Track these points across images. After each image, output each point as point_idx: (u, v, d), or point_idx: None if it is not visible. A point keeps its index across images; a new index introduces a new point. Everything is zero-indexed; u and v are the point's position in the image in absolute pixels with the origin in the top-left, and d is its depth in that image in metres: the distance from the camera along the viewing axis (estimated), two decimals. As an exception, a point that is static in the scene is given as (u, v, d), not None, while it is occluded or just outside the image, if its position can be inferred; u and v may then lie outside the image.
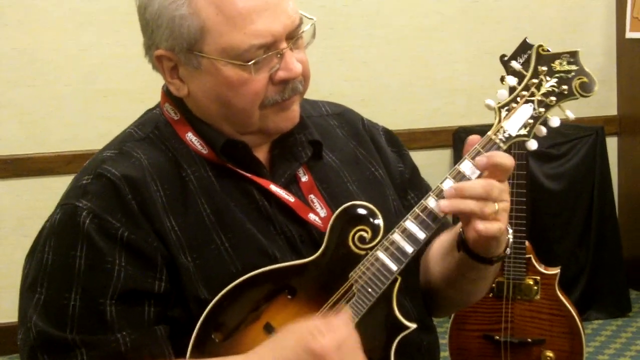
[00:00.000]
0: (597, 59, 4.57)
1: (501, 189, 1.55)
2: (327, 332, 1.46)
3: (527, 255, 3.20)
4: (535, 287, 3.21)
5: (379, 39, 4.48)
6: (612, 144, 4.64)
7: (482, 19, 4.57)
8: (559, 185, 4.21)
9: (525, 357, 3.22)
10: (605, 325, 4.25)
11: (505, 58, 2.93)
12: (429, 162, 4.39)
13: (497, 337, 3.22)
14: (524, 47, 2.80)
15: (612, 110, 4.68)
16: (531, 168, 3.94)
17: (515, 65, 1.66)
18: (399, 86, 4.53)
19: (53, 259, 1.53)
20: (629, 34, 4.54)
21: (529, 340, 3.20)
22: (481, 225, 1.52)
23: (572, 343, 3.20)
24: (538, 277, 3.21)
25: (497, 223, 1.54)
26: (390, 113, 4.46)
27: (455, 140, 4.49)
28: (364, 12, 4.44)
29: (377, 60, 4.49)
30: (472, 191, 1.53)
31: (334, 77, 4.39)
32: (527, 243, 3.18)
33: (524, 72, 1.66)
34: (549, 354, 3.19)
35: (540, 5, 4.61)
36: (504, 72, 2.98)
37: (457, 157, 4.45)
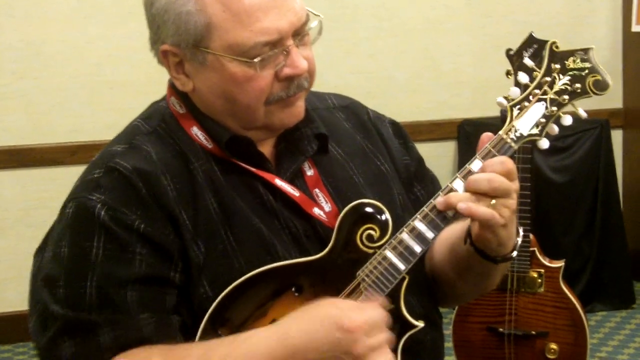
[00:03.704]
0: (603, 52, 4.56)
1: (508, 186, 1.55)
2: (359, 310, 1.46)
3: (532, 248, 3.20)
4: (539, 280, 3.21)
5: (384, 32, 4.47)
6: (617, 136, 4.64)
7: (488, 12, 4.56)
8: (564, 177, 4.21)
9: (528, 349, 3.22)
10: (609, 317, 4.25)
11: (512, 52, 2.94)
12: (434, 154, 4.40)
13: (501, 330, 3.22)
14: (530, 41, 2.80)
15: (617, 103, 4.68)
16: (536, 160, 3.93)
17: (528, 62, 1.64)
18: (404, 79, 4.53)
19: (69, 252, 1.52)
20: (635, 27, 4.53)
21: (533, 332, 3.21)
22: (463, 205, 1.52)
23: (576, 335, 3.21)
24: (542, 270, 3.21)
25: (488, 210, 1.53)
26: (395, 105, 4.46)
27: (460, 132, 4.49)
28: (370, 5, 4.44)
29: (383, 52, 4.49)
30: (476, 185, 1.54)
31: (340, 69, 4.39)
32: (531, 236, 3.19)
33: (537, 70, 1.63)
34: (553, 346, 3.20)
35: (547, -2, 4.61)
36: (509, 65, 2.99)
37: (462, 150, 4.45)
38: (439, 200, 1.56)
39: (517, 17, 4.55)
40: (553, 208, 4.19)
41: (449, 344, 3.15)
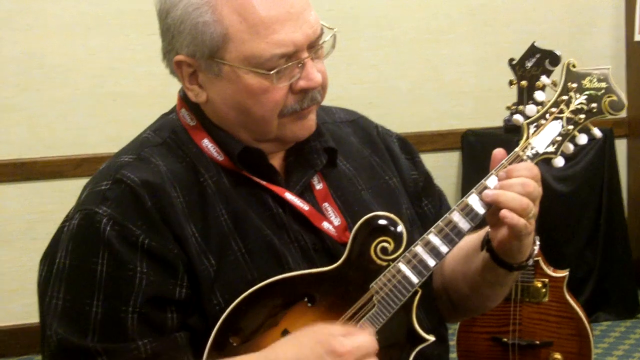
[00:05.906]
0: (605, 61, 4.56)
1: (539, 192, 1.57)
2: (350, 336, 1.47)
3: (536, 258, 3.20)
4: (544, 290, 3.20)
5: (387, 42, 4.48)
6: (621, 146, 4.64)
7: (490, 22, 4.57)
8: (568, 187, 4.21)
9: (533, 359, 3.22)
10: (613, 327, 4.24)
11: (514, 62, 2.94)
12: (438, 165, 4.39)
13: (505, 340, 3.22)
14: (533, 50, 2.80)
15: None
16: (540, 170, 3.93)
17: (545, 80, 1.65)
18: (407, 89, 4.53)
19: (71, 264, 1.52)
20: (638, 37, 4.53)
21: (537, 342, 3.20)
22: (508, 214, 1.53)
23: (581, 345, 3.20)
24: (546, 280, 3.21)
25: (523, 220, 1.54)
26: (398, 116, 4.47)
27: (463, 142, 4.48)
28: (372, 15, 4.45)
29: (385, 63, 4.49)
30: (514, 188, 1.55)
31: (342, 80, 4.39)
32: (535, 245, 3.18)
33: (554, 89, 1.64)
34: (557, 356, 3.19)
35: (549, 7, 4.61)
36: (512, 75, 3.00)
37: (466, 161, 4.45)
38: (486, 192, 1.56)
39: (519, 26, 4.55)
40: (557, 217, 4.18)
41: (453, 355, 3.14)
